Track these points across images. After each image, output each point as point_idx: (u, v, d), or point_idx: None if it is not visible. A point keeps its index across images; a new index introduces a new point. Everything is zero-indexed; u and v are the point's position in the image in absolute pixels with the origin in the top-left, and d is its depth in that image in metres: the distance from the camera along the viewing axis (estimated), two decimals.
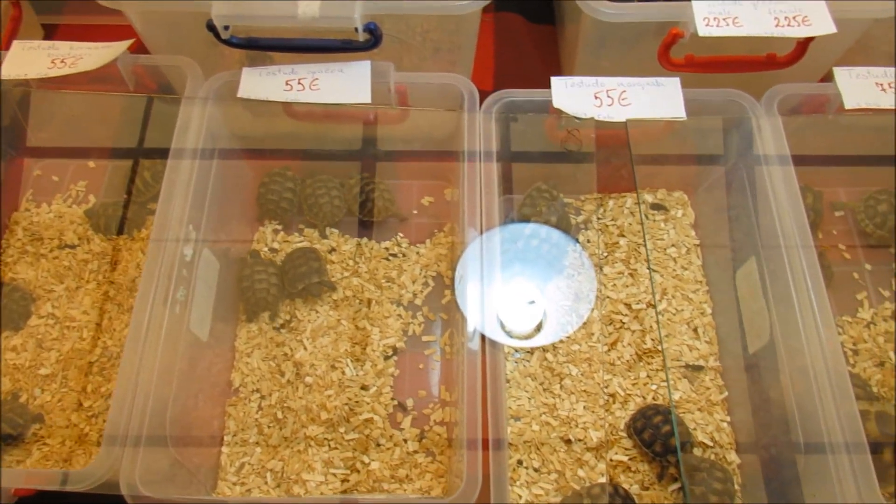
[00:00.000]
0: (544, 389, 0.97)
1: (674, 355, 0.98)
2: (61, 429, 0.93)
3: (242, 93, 0.92)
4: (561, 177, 1.09)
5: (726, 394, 0.96)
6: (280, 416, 0.95)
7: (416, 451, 0.93)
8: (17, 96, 1.10)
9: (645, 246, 1.02)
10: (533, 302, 1.03)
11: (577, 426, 0.93)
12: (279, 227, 1.09)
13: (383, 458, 0.92)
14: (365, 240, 1.07)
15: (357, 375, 0.97)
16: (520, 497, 0.89)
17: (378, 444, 0.93)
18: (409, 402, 0.97)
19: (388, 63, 0.94)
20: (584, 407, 0.95)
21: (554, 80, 0.93)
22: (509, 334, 1.00)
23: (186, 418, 0.88)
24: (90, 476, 0.73)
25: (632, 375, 0.97)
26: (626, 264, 1.04)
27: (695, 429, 0.93)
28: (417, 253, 1.06)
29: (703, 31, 0.88)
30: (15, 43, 0.97)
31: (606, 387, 0.96)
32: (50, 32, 1.26)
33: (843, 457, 0.74)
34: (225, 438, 0.95)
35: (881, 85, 0.93)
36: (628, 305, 1.01)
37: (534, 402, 0.96)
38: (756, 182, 0.92)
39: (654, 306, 0.99)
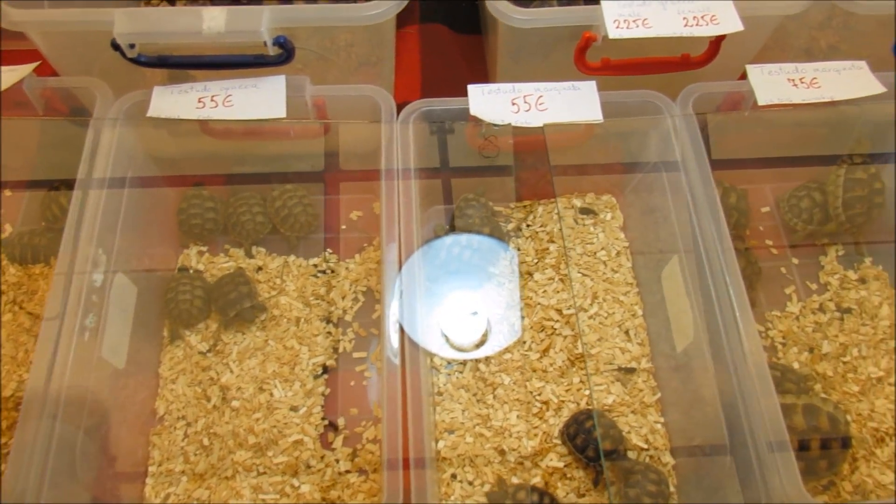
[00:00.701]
0: (478, 401, 0.95)
1: (606, 359, 0.97)
2: None
3: (153, 112, 0.90)
4: (492, 185, 1.09)
5: (659, 395, 0.96)
6: (206, 442, 0.92)
7: (348, 471, 0.91)
8: None
9: (564, 249, 1.02)
10: (476, 313, 1.02)
11: (510, 436, 0.92)
12: (204, 249, 1.06)
13: (314, 481, 0.89)
14: (293, 257, 1.05)
15: (286, 396, 0.94)
16: None
17: (308, 466, 0.91)
18: (341, 421, 0.94)
19: (304, 77, 0.93)
20: (518, 416, 0.93)
21: (471, 87, 0.93)
22: (456, 348, 0.99)
23: (106, 452, 0.85)
24: None
25: (565, 381, 0.96)
26: (557, 270, 1.03)
27: (629, 432, 0.93)
28: (347, 268, 1.05)
29: (613, 33, 0.89)
30: None
31: (539, 394, 0.95)
32: None
33: (766, 454, 0.74)
34: (149, 470, 0.91)
35: (793, 80, 0.95)
36: (559, 311, 1.00)
37: (467, 414, 0.94)
38: (675, 182, 0.92)
39: (572, 311, 0.99)
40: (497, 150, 0.93)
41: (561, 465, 0.90)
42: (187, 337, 0.98)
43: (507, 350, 0.98)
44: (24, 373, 0.95)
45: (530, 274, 1.03)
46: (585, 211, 1.09)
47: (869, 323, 1.00)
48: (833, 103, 0.93)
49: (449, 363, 0.98)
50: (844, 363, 0.97)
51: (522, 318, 1.00)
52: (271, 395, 0.94)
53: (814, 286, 1.05)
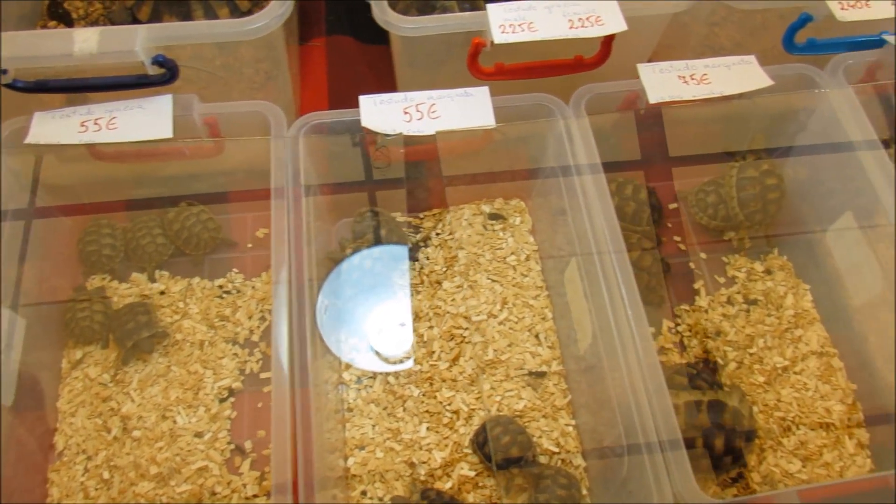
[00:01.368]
0: (388, 414, 0.94)
1: (517, 364, 0.97)
2: None
3: (32, 139, 0.87)
4: (399, 195, 1.08)
5: (570, 397, 0.95)
6: (107, 476, 0.89)
7: (255, 496, 0.89)
8: None
9: (463, 251, 1.01)
10: (403, 324, 1.01)
11: (420, 448, 0.91)
12: (107, 278, 1.03)
13: None
14: (197, 279, 1.03)
15: (190, 423, 0.92)
16: None
17: (214, 493, 0.88)
18: (248, 445, 0.92)
19: (191, 95, 0.91)
20: (428, 428, 0.92)
21: (362, 98, 0.92)
22: (386, 360, 0.98)
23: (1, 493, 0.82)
24: None
25: (475, 389, 0.95)
26: (466, 277, 1.03)
27: (540, 436, 0.92)
28: (253, 287, 1.03)
29: (498, 38, 0.89)
30: None
31: (449, 404, 0.94)
32: None
33: (658, 454, 0.73)
34: None
35: (683, 77, 0.95)
36: (468, 318, 0.99)
37: (378, 428, 0.93)
38: (570, 185, 0.92)
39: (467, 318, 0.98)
40: (388, 160, 0.92)
41: (472, 474, 0.89)
42: (85, 368, 0.95)
43: (416, 361, 0.96)
44: None
45: (439, 283, 1.03)
46: (494, 216, 1.09)
47: (774, 313, 1.01)
48: (722, 98, 0.94)
49: (359, 378, 0.97)
50: (751, 354, 0.98)
51: (431, 327, 0.99)
52: (174, 422, 0.92)
53: (722, 280, 1.06)
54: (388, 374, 0.96)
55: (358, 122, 0.90)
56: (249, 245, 1.06)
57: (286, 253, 0.82)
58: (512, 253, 1.05)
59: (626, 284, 0.82)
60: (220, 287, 1.03)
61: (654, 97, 0.93)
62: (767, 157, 1.06)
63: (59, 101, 0.95)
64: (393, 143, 0.91)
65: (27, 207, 0.96)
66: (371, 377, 0.97)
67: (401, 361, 0.97)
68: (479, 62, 0.96)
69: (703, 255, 1.08)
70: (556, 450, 0.92)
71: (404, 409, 0.94)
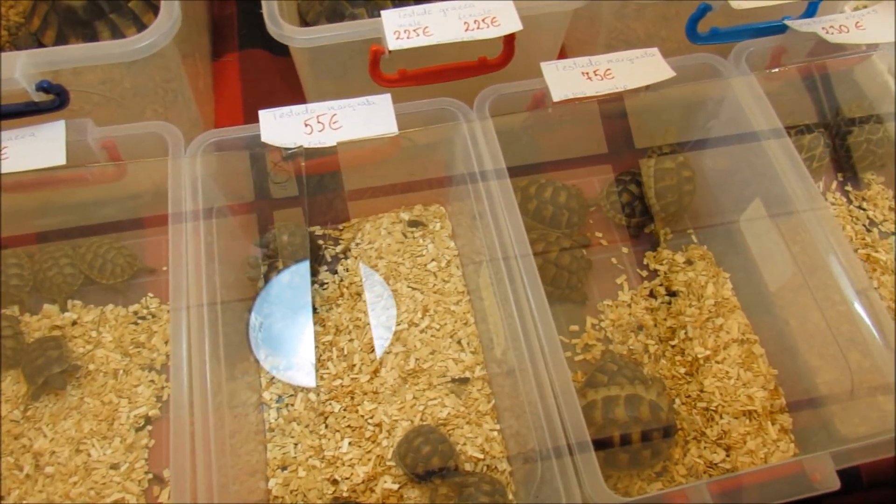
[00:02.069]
0: (310, 432, 0.92)
1: (439, 371, 0.96)
2: None
3: None
4: (317, 207, 1.06)
5: (494, 402, 0.94)
6: None
7: None
8: None
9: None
10: (314, 340, 0.99)
11: (343, 464, 0.89)
12: (15, 310, 1.00)
13: None
14: (111, 306, 1.00)
15: (105, 455, 0.90)
16: None
17: None
18: (166, 473, 0.90)
19: (85, 120, 0.89)
20: (350, 443, 0.91)
21: (262, 113, 0.90)
22: (302, 377, 0.96)
23: None
24: None
25: (397, 400, 0.94)
26: (385, 287, 1.01)
27: (465, 443, 0.91)
28: (168, 311, 1.00)
29: (393, 44, 0.88)
30: None
31: (371, 417, 0.92)
32: None
33: (566, 458, 0.73)
34: None
35: (587, 73, 0.95)
36: (389, 328, 0.98)
37: (300, 447, 0.91)
38: (477, 189, 0.91)
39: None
40: (288, 174, 0.91)
41: (395, 486, 0.88)
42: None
43: (336, 376, 0.95)
44: None
45: (360, 294, 1.01)
46: (414, 223, 1.07)
47: (695, 304, 1.01)
48: (628, 92, 0.94)
49: (279, 397, 0.95)
50: (672, 346, 0.98)
51: (352, 340, 0.98)
52: (89, 455, 0.89)
53: (644, 273, 1.06)
54: (308, 391, 0.94)
55: (256, 137, 0.88)
56: (165, 268, 1.04)
57: (184, 279, 0.80)
58: (433, 259, 1.04)
59: (532, 288, 0.81)
60: (135, 313, 1.00)
61: (557, 95, 0.93)
62: (681, 151, 1.06)
63: None
64: (296, 156, 0.90)
65: None
66: (292, 395, 0.95)
67: (320, 377, 0.95)
68: (382, 69, 0.95)
69: (624, 250, 1.08)
70: (482, 456, 0.91)
71: (326, 426, 0.92)
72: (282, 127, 0.89)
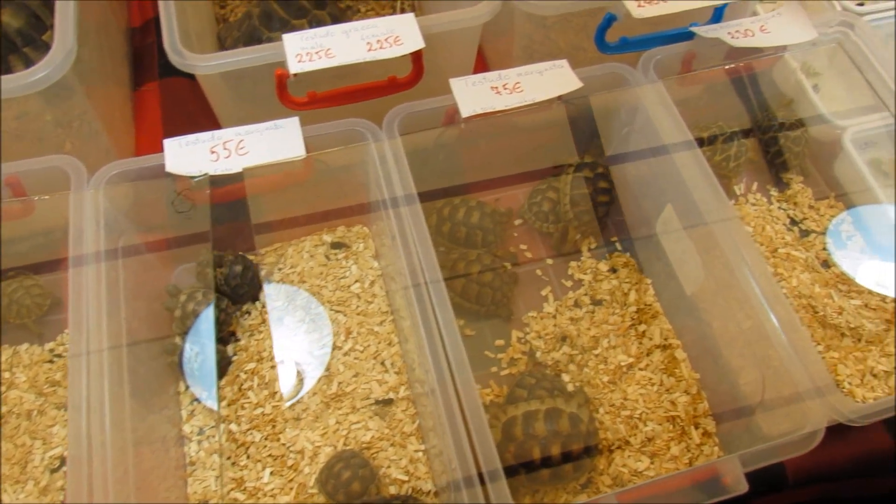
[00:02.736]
0: (232, 464, 0.91)
1: (363, 394, 0.94)
2: None
3: None
4: (241, 234, 1.05)
5: (419, 422, 0.93)
6: None
7: None
8: None
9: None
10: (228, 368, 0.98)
11: (265, 495, 0.88)
12: None
13: None
14: (25, 345, 0.98)
15: (18, 499, 0.87)
16: None
17: None
18: None
19: None
20: (271, 472, 0.89)
21: (167, 141, 0.89)
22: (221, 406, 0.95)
23: None
24: None
25: (320, 426, 0.92)
26: (307, 311, 1.00)
27: (388, 466, 0.90)
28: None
29: (295, 67, 0.87)
30: None
31: (293, 444, 0.91)
32: None
33: (477, 485, 0.72)
34: None
35: (496, 88, 0.95)
36: (311, 353, 0.97)
37: (221, 480, 0.89)
38: (391, 209, 0.91)
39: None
40: (191, 203, 0.90)
41: None
42: None
43: (257, 405, 0.94)
44: None
45: (282, 320, 1.00)
46: (337, 245, 1.07)
47: (619, 311, 1.01)
48: (538, 105, 0.94)
49: (201, 429, 0.94)
50: (596, 355, 0.97)
51: (273, 367, 0.96)
52: (0, 501, 0.87)
53: (569, 283, 1.06)
54: (230, 421, 0.93)
55: (161, 166, 0.87)
56: None
57: (84, 322, 0.79)
58: (356, 280, 1.04)
59: (441, 313, 0.81)
60: (51, 351, 0.98)
61: (466, 111, 0.93)
62: (601, 161, 1.07)
63: None
64: (203, 185, 0.89)
65: None
66: (213, 427, 0.93)
67: (241, 407, 0.94)
68: (292, 92, 0.94)
69: (549, 262, 1.08)
70: (406, 478, 0.90)
71: (248, 457, 0.91)
72: (188, 155, 0.88)
